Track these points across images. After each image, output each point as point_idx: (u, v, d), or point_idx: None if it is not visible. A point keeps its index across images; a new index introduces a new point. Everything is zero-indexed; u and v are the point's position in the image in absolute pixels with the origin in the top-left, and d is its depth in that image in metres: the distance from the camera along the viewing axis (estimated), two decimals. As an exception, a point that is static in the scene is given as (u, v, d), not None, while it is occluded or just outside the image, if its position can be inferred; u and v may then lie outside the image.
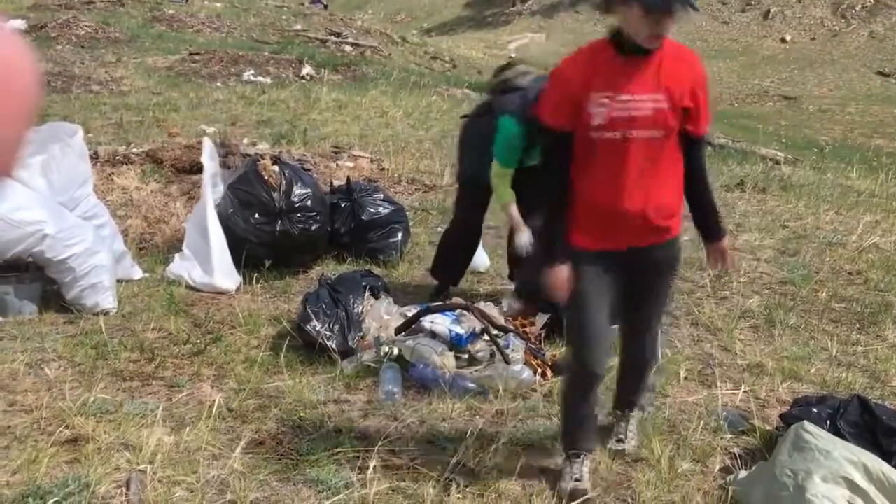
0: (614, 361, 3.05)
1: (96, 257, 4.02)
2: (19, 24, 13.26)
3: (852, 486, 2.47)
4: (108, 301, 4.08)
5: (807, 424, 2.72)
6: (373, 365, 3.52)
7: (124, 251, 4.55)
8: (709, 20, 37.47)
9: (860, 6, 34.44)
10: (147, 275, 4.61)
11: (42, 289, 4.11)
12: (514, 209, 3.94)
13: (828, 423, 2.88)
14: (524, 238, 3.93)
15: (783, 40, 34.34)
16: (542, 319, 3.90)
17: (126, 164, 6.26)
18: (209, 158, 4.79)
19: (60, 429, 2.93)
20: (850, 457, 2.54)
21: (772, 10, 36.30)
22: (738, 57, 33.36)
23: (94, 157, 5.92)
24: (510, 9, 43.32)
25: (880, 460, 2.56)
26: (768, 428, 3.14)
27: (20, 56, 0.51)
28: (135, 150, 6.59)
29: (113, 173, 6.08)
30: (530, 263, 4.16)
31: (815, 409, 2.98)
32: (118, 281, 4.27)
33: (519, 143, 3.83)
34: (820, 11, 35.36)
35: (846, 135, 20.60)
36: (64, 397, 3.15)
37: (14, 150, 0.53)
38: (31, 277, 4.05)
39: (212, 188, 4.66)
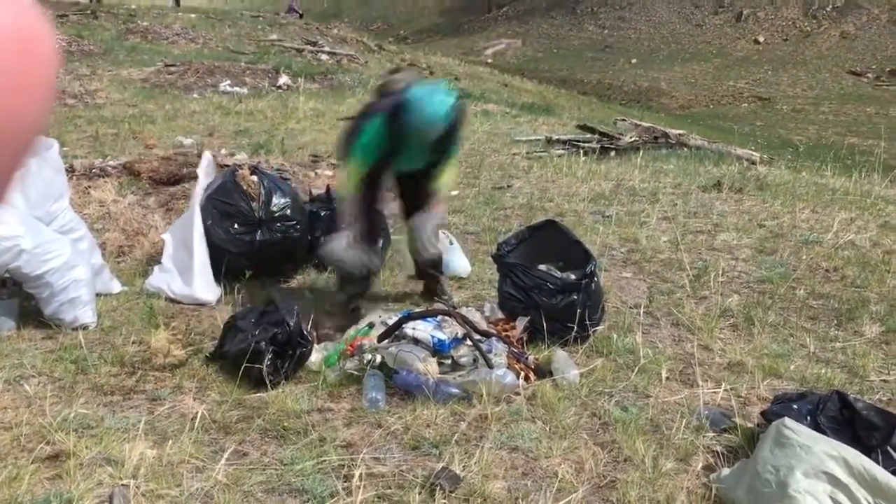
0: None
1: (74, 271, 3.99)
2: None
3: (833, 481, 2.49)
4: (87, 315, 4.04)
5: (787, 421, 2.75)
6: (356, 373, 3.51)
7: (102, 264, 4.52)
8: (682, 23, 37.85)
9: (830, 7, 34.92)
10: (126, 288, 4.57)
11: (20, 304, 4.07)
12: (353, 202, 4.05)
13: (808, 418, 2.92)
14: (341, 241, 4.08)
15: (756, 42, 34.74)
16: (521, 322, 3.91)
17: (103, 177, 6.21)
18: (204, 173, 4.78)
19: (41, 445, 2.90)
20: (830, 452, 2.56)
21: (744, 12, 36.71)
22: (712, 59, 33.68)
23: (70, 171, 5.88)
24: (486, 15, 43.50)
25: (860, 454, 2.59)
26: (750, 425, 3.17)
27: (39, 25, 0.51)
28: (111, 162, 6.55)
29: (90, 186, 6.04)
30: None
31: (795, 406, 3.01)
32: (97, 295, 4.24)
33: (378, 143, 3.90)
34: (791, 13, 35.81)
35: (820, 134, 20.86)
36: (44, 413, 3.12)
37: (32, 128, 0.52)
38: (9, 293, 4.02)
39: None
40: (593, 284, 4.05)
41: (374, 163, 3.99)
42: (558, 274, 4.05)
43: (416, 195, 4.27)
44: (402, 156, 3.97)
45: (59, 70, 0.56)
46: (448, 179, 4.31)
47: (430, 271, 4.41)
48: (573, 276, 4.04)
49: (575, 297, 3.92)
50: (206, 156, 5.06)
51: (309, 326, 3.78)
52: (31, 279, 3.91)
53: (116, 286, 4.54)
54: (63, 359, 3.65)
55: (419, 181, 4.21)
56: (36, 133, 0.52)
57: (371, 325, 3.88)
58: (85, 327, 4.00)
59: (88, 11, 18.94)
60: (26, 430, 3.01)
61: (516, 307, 4.00)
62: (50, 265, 3.90)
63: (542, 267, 4.09)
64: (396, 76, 4.17)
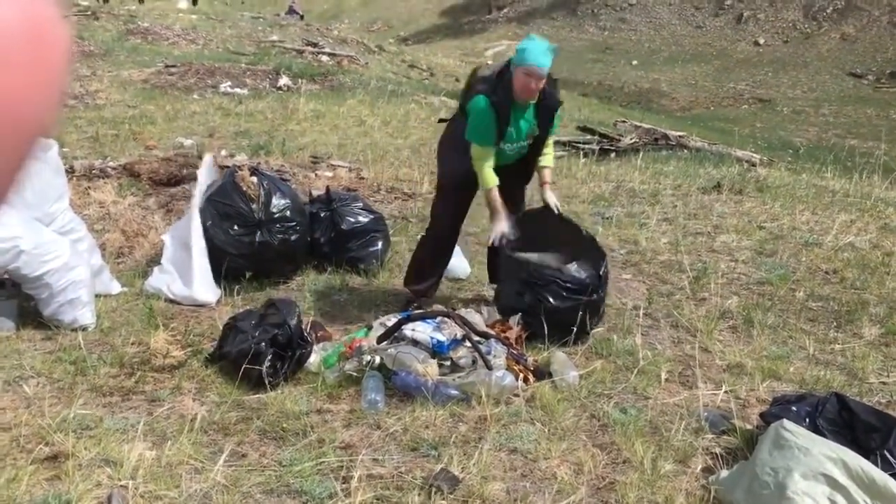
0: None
1: (73, 272, 3.99)
2: None
3: (832, 483, 2.49)
4: (86, 316, 4.04)
5: (786, 423, 2.75)
6: (355, 374, 3.51)
7: (102, 265, 4.52)
8: (683, 24, 37.84)
9: (831, 8, 34.91)
10: (126, 289, 4.57)
11: (19, 305, 4.07)
12: (496, 194, 3.97)
13: (807, 420, 2.92)
14: (500, 227, 3.98)
15: (756, 43, 34.73)
16: (514, 319, 3.92)
17: (102, 178, 6.22)
18: (205, 175, 4.78)
19: (40, 446, 2.90)
20: (829, 454, 2.56)
21: (745, 14, 36.71)
22: (712, 61, 33.68)
23: (70, 172, 5.88)
24: (486, 16, 43.51)
25: (859, 457, 2.59)
26: (749, 427, 3.17)
27: (53, 18, 0.51)
28: (111, 163, 6.55)
29: (89, 187, 6.04)
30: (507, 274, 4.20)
31: (794, 408, 3.01)
32: (96, 296, 4.24)
33: (490, 121, 3.87)
34: (792, 14, 35.80)
35: (820, 136, 20.86)
36: (43, 414, 3.12)
37: (44, 120, 0.52)
38: (8, 294, 4.01)
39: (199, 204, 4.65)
40: (604, 288, 4.08)
41: (494, 143, 3.94)
42: (572, 273, 4.03)
43: (510, 194, 4.19)
44: (511, 128, 3.93)
45: (72, 64, 0.56)
46: (551, 153, 4.27)
47: None
48: (582, 273, 4.03)
49: (586, 298, 3.93)
50: (208, 158, 5.06)
51: (309, 328, 3.79)
52: (31, 280, 3.91)
53: (116, 287, 4.54)
54: (62, 360, 3.65)
55: (513, 178, 4.19)
56: (46, 128, 0.52)
57: (369, 327, 3.88)
58: (84, 328, 4.00)
59: (89, 12, 18.94)
60: (25, 431, 3.01)
61: (519, 303, 3.98)
62: (49, 266, 3.90)
63: (552, 262, 4.09)
64: (481, 69, 4.22)
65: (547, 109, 4.00)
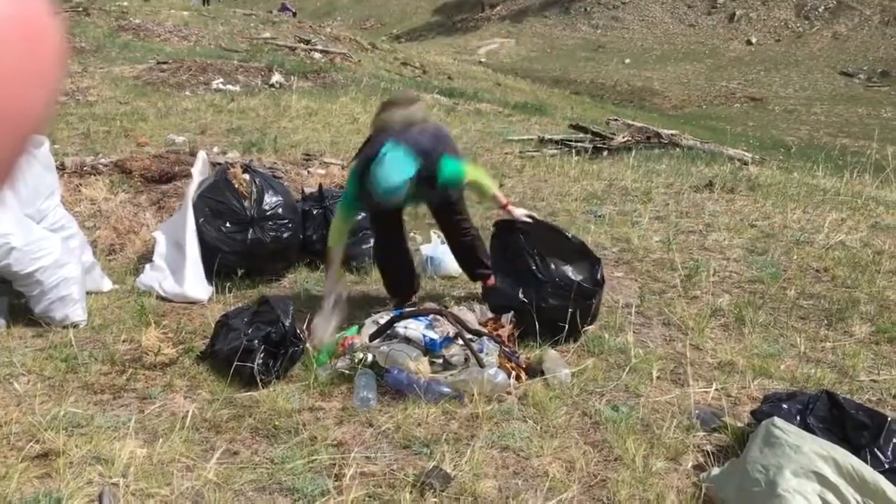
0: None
1: (64, 269, 3.97)
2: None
3: (823, 480, 2.51)
4: (77, 313, 4.03)
5: (777, 420, 2.76)
6: (347, 371, 3.51)
7: (93, 262, 4.50)
8: (675, 23, 37.92)
9: (823, 7, 35.04)
10: (117, 286, 4.56)
11: (9, 302, 4.06)
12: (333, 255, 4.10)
13: (798, 418, 2.93)
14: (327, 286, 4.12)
15: (749, 42, 34.84)
16: (506, 317, 3.92)
17: (94, 175, 6.19)
18: (198, 172, 4.76)
19: (31, 444, 2.89)
20: (820, 451, 2.57)
21: (737, 13, 36.82)
22: (704, 59, 33.77)
23: (61, 169, 5.85)
24: (479, 14, 43.51)
25: (850, 454, 2.60)
26: (740, 425, 3.18)
27: (45, 12, 0.51)
28: (102, 160, 6.52)
29: (80, 184, 6.02)
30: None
31: (785, 405, 3.02)
32: (88, 293, 4.22)
33: (353, 196, 3.90)
34: (784, 13, 35.92)
35: (812, 135, 20.94)
36: (34, 412, 3.11)
37: (37, 117, 0.52)
38: (-2, 291, 4.00)
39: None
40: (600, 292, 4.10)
41: (355, 214, 4.10)
42: (567, 274, 4.04)
43: (440, 214, 4.27)
44: (384, 204, 3.84)
45: (66, 60, 0.56)
46: (485, 183, 4.11)
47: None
48: (578, 275, 4.04)
49: (586, 301, 3.95)
50: (201, 154, 5.05)
51: (305, 325, 3.79)
52: (22, 277, 3.89)
53: (107, 284, 4.52)
54: (53, 357, 3.64)
55: (439, 204, 4.18)
56: (40, 123, 0.52)
57: (361, 325, 3.88)
58: (75, 325, 3.99)
59: (80, 9, 18.86)
60: (16, 429, 3.00)
61: (509, 295, 3.99)
62: (40, 263, 3.89)
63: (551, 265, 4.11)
64: (384, 116, 3.95)
65: (431, 193, 3.92)
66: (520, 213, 4.18)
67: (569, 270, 4.05)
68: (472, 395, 3.32)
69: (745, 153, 10.89)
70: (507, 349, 3.69)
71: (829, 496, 2.48)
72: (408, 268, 4.37)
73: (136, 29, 17.73)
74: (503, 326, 3.88)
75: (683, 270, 4.96)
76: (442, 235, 4.87)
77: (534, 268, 4.02)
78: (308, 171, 6.92)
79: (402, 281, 4.37)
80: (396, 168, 3.58)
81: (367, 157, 3.74)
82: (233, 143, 8.00)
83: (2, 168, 0.52)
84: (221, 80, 12.30)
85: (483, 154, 8.63)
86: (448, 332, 3.63)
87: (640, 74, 32.04)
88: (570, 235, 4.26)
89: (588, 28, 38.77)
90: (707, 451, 3.03)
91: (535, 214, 4.31)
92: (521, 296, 3.97)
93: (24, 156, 0.54)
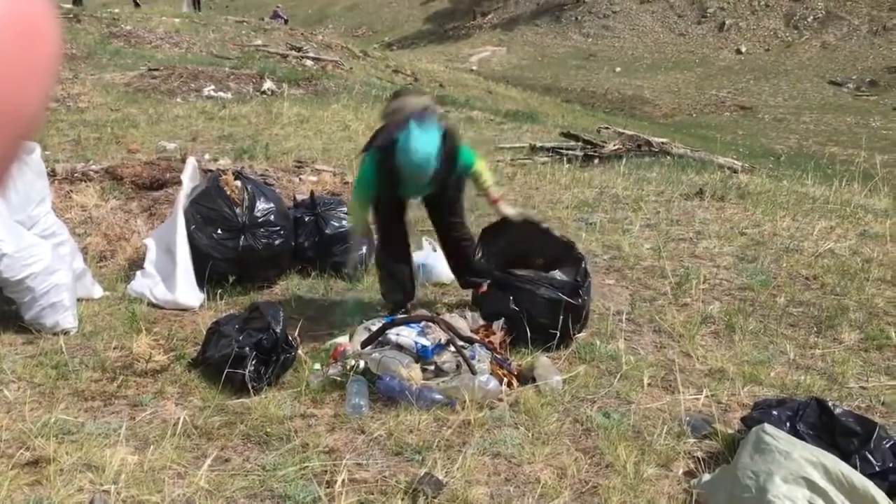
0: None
1: (55, 276, 3.96)
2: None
3: (812, 487, 2.52)
4: (68, 320, 4.02)
5: (767, 427, 2.78)
6: (339, 378, 3.51)
7: (84, 269, 4.49)
8: (666, 32, 38.12)
9: (812, 17, 35.29)
10: (108, 293, 4.55)
11: (0, 309, 4.04)
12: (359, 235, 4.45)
13: (787, 424, 2.94)
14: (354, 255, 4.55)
15: (738, 51, 35.03)
16: (498, 324, 3.94)
17: (85, 182, 6.18)
18: (189, 178, 4.76)
19: (21, 451, 2.88)
20: (809, 457, 2.59)
21: (727, 22, 37.02)
22: (695, 68, 33.94)
23: (52, 175, 5.84)
24: (471, 22, 43.62)
25: (839, 460, 2.62)
26: (730, 431, 3.19)
27: (41, 10, 0.51)
28: (93, 167, 6.51)
29: (71, 191, 6.00)
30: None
31: (774, 412, 3.04)
32: (78, 300, 4.21)
33: (372, 180, 3.97)
34: (773, 23, 36.15)
35: (801, 143, 21.06)
36: (24, 419, 3.10)
37: (32, 116, 0.52)
38: (-11, 298, 3.98)
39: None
40: (586, 287, 4.11)
41: (373, 198, 4.09)
42: (555, 276, 4.07)
43: (440, 215, 4.34)
44: (402, 188, 3.97)
45: (61, 60, 0.56)
46: (486, 177, 4.23)
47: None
48: (564, 276, 4.07)
49: (571, 300, 3.96)
50: (191, 161, 5.05)
51: (297, 332, 3.79)
52: (12, 284, 3.88)
53: (98, 291, 4.51)
54: (43, 364, 3.63)
55: (442, 201, 4.24)
56: (34, 123, 0.52)
57: (353, 332, 3.88)
58: (66, 332, 3.97)
59: (71, 15, 18.82)
60: (6, 436, 2.99)
61: (503, 308, 4.01)
62: (31, 270, 3.88)
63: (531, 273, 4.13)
64: (398, 103, 4.08)
65: (447, 176, 3.97)
66: (509, 210, 4.23)
67: (555, 271, 4.09)
68: (464, 401, 3.32)
69: (735, 161, 10.95)
70: (498, 356, 3.70)
71: (819, 502, 2.49)
72: (409, 273, 4.41)
73: (127, 36, 17.71)
74: (495, 333, 3.89)
75: (674, 278, 4.98)
76: (435, 243, 4.88)
77: (522, 273, 4.05)
78: (300, 178, 6.92)
79: (404, 285, 4.38)
80: (427, 139, 3.71)
81: (390, 139, 3.79)
82: (224, 150, 7.99)
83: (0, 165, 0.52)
84: (213, 87, 12.30)
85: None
86: (440, 339, 3.63)
87: (630, 83, 32.18)
88: (557, 234, 4.31)
89: (579, 36, 38.93)
90: (698, 458, 3.05)
91: (524, 212, 4.35)
92: (511, 304, 3.98)
93: (20, 155, 0.53)
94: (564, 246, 4.25)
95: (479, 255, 4.33)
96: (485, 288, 4.27)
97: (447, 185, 4.06)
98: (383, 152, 3.84)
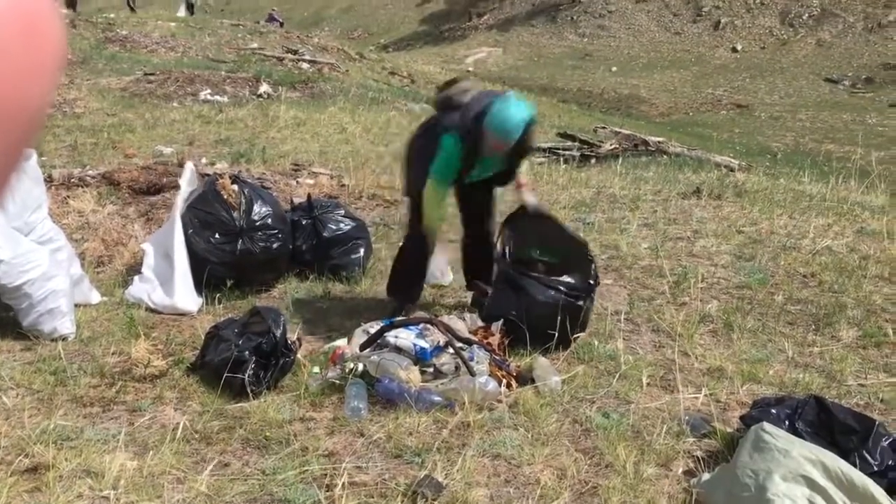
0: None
1: (53, 282, 3.96)
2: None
3: (812, 485, 2.52)
4: (65, 326, 4.01)
5: (766, 425, 2.78)
6: (338, 381, 3.51)
7: (82, 275, 4.48)
8: (661, 31, 38.14)
9: (807, 15, 35.31)
10: (105, 298, 4.54)
11: (-3, 316, 4.04)
12: (438, 233, 4.23)
13: (786, 423, 2.95)
14: (441, 262, 4.39)
15: (734, 50, 35.05)
16: (496, 326, 3.93)
17: (82, 187, 6.17)
18: (187, 183, 4.76)
19: (20, 458, 2.88)
20: (808, 455, 2.59)
21: (722, 21, 37.04)
22: (690, 67, 33.95)
23: (49, 181, 5.83)
24: (466, 24, 43.62)
25: (838, 458, 2.62)
26: (729, 430, 3.20)
27: (46, 7, 0.51)
28: (90, 172, 6.51)
29: (68, 196, 6.00)
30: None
31: (773, 410, 3.04)
32: (76, 305, 4.21)
33: (456, 163, 3.93)
34: (768, 21, 36.17)
35: (797, 141, 21.07)
36: (23, 425, 3.09)
37: (36, 113, 0.51)
38: (-14, 304, 3.98)
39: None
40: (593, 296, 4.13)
41: (453, 182, 4.07)
42: (562, 278, 4.07)
43: (479, 204, 4.37)
44: (476, 169, 4.00)
45: (66, 55, 0.56)
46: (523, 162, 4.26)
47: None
48: (572, 279, 4.07)
49: (570, 301, 3.96)
50: (189, 165, 5.04)
51: (296, 336, 3.79)
52: (10, 290, 3.88)
53: (96, 297, 4.50)
54: (42, 370, 3.62)
55: (483, 188, 4.28)
56: (38, 121, 0.52)
57: (352, 334, 3.88)
58: (64, 338, 3.97)
59: (66, 20, 18.80)
60: (5, 443, 2.99)
61: (505, 309, 4.00)
62: (28, 276, 3.87)
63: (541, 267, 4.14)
64: (463, 85, 4.13)
65: (519, 152, 4.01)
66: (530, 198, 4.24)
67: (566, 272, 4.09)
68: (463, 403, 3.32)
69: (732, 160, 10.97)
70: (497, 357, 3.70)
71: (818, 500, 2.49)
72: (424, 275, 4.48)
73: (122, 40, 17.70)
74: (493, 335, 3.89)
75: (672, 277, 4.98)
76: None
77: (532, 275, 4.06)
78: (297, 182, 6.93)
79: (415, 286, 4.46)
80: (522, 105, 3.80)
81: (474, 115, 3.81)
82: (221, 153, 7.99)
83: (3, 166, 0.51)
84: (209, 90, 12.30)
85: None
86: (438, 341, 3.63)
87: (626, 82, 32.19)
88: (572, 233, 4.32)
89: (575, 36, 38.94)
90: (697, 457, 3.05)
91: (543, 204, 4.36)
92: (517, 306, 3.98)
93: (23, 156, 0.53)
94: (577, 245, 4.24)
95: (499, 241, 4.28)
96: (486, 290, 4.28)
97: (512, 163, 4.08)
98: (466, 130, 3.83)
